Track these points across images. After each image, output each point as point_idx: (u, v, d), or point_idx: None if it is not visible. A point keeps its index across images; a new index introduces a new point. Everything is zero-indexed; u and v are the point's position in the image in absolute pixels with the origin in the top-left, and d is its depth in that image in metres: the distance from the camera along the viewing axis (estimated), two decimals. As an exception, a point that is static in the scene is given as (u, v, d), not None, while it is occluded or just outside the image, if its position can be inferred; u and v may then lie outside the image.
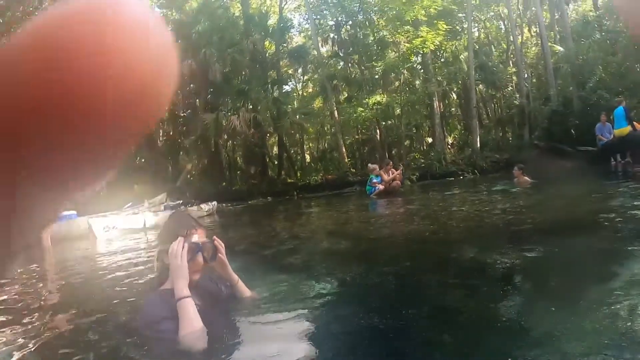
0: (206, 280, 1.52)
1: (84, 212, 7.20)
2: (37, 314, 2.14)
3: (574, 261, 1.99)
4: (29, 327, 1.88)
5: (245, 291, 1.57)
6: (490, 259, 2.24)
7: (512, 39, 18.88)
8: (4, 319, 2.02)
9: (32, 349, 1.53)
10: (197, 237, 1.43)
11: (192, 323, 1.24)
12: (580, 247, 2.25)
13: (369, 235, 4.02)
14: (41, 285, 3.05)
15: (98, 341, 1.54)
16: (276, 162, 15.68)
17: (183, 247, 1.35)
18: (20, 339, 1.67)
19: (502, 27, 21.02)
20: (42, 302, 2.40)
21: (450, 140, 17.53)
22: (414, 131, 16.71)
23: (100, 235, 6.18)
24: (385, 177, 9.33)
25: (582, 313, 1.32)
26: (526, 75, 19.20)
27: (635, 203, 3.45)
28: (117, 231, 6.51)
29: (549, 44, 17.18)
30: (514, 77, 18.94)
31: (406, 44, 14.89)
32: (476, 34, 20.43)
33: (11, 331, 1.79)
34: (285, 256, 3.18)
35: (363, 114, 14.49)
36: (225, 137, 14.64)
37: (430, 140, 16.84)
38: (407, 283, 2.03)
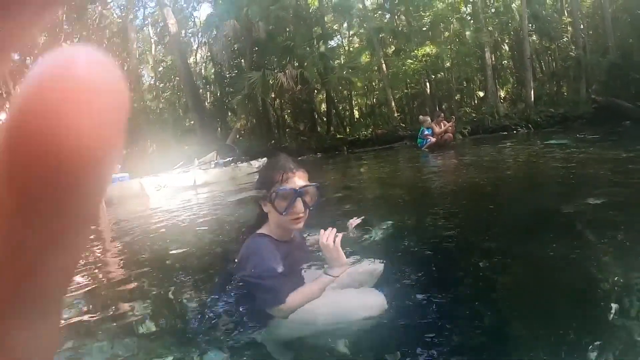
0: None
1: (136, 174, 7.25)
2: (101, 267, 2.27)
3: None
4: (94, 278, 2.01)
5: None
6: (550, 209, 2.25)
7: (566, -14, 17.66)
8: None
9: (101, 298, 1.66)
10: (296, 180, 1.24)
11: (313, 298, 1.17)
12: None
13: (418, 184, 4.10)
14: (99, 243, 3.19)
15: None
16: (325, 119, 15.50)
17: (335, 237, 1.24)
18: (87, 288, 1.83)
19: (555, -27, 19.58)
20: (103, 257, 2.54)
21: (502, 94, 16.72)
22: (465, 85, 16.03)
23: (152, 194, 6.24)
24: (437, 129, 8.97)
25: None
26: (582, 26, 17.97)
27: None
28: (168, 190, 6.55)
29: (607, -9, 15.94)
30: (570, 28, 17.72)
31: (455, -7, 14.14)
32: (528, -19, 19.10)
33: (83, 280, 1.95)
34: (336, 204, 3.18)
35: (412, 66, 13.98)
36: (273, 95, 14.55)
37: (481, 94, 16.12)
38: (457, 228, 2.05)
